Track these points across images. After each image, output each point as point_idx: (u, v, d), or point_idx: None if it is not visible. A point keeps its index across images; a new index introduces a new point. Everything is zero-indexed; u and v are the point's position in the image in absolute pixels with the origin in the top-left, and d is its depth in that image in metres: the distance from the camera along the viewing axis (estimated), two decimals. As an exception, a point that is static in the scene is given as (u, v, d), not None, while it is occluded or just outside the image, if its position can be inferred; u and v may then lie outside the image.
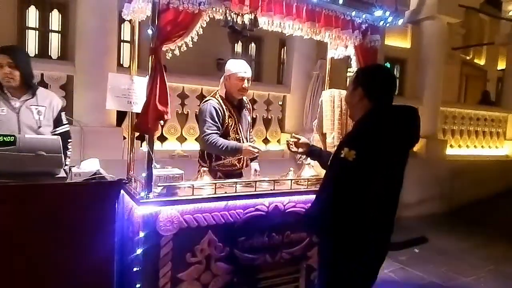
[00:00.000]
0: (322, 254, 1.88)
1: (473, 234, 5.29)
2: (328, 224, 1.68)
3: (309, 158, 2.69)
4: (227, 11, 2.04)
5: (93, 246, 1.89)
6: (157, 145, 4.43)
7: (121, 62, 5.93)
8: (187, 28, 1.96)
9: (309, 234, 2.48)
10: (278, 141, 5.26)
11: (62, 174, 1.86)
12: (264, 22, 2.23)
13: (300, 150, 2.39)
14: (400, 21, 2.70)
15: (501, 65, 13.51)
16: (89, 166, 2.18)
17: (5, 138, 1.72)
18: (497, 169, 7.31)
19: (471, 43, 12.07)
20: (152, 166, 1.98)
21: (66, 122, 2.53)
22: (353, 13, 2.49)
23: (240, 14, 2.07)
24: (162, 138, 4.56)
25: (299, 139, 2.39)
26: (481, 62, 13.29)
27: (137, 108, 2.35)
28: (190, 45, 2.02)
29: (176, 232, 2.03)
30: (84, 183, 1.86)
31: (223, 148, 2.55)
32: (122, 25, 5.80)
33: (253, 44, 8.49)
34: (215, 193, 2.17)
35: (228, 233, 2.20)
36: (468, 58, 12.67)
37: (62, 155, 1.83)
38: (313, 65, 5.11)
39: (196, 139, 4.53)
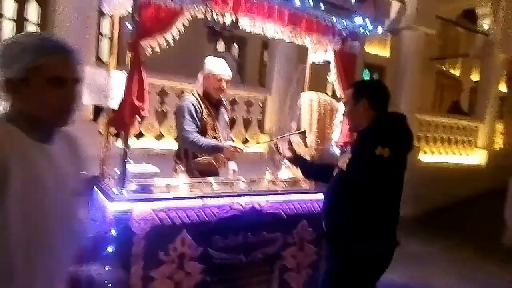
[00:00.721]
0: (338, 255, 1.95)
1: (444, 238, 5.44)
2: (361, 219, 1.82)
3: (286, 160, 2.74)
4: (209, 10, 2.04)
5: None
6: (134, 142, 4.35)
7: (100, 57, 5.82)
8: (167, 25, 1.96)
9: (285, 235, 2.51)
10: (257, 142, 5.28)
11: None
12: (246, 24, 2.24)
13: (288, 155, 2.48)
14: (380, 29, 2.77)
15: (475, 76, 14.05)
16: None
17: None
18: (467, 176, 7.58)
19: (447, 54, 12.49)
20: (126, 162, 1.96)
21: None
22: (334, 19, 2.54)
23: (222, 14, 2.08)
24: (139, 135, 4.49)
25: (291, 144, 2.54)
26: (456, 73, 13.77)
27: (115, 103, 2.31)
28: (171, 43, 2.01)
29: (149, 230, 2.01)
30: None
31: (204, 147, 2.55)
32: (101, 19, 5.70)
33: (235, 45, 8.51)
34: (191, 191, 2.17)
35: (202, 232, 2.19)
36: (444, 68, 13.11)
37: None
38: (294, 68, 5.16)
39: (175, 138, 4.48)
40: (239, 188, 2.41)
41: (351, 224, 1.83)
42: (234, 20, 2.14)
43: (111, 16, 2.37)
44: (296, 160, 2.45)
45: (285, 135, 2.78)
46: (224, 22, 2.08)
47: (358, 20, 2.64)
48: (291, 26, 2.38)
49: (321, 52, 2.88)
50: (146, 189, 2.05)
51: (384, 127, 1.87)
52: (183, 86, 4.47)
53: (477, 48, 8.84)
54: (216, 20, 2.07)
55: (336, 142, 2.79)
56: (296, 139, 2.93)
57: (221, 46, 8.32)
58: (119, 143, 2.14)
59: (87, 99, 2.23)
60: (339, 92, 2.79)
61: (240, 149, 2.64)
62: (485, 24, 8.45)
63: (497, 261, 4.74)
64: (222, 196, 2.26)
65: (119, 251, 1.95)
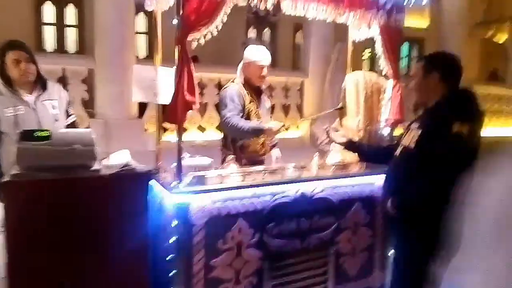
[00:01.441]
0: (413, 230, 1.87)
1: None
2: (436, 197, 1.72)
3: (332, 145, 2.71)
4: (250, -3, 2.00)
5: (128, 235, 1.93)
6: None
7: (136, 54, 5.96)
8: (211, 16, 1.95)
9: (338, 219, 2.48)
10: (297, 127, 5.24)
11: (96, 166, 1.89)
12: (288, 7, 2.19)
13: (341, 140, 2.44)
14: (425, 0, 2.62)
15: (524, 40, 13.00)
16: (120, 158, 2.21)
17: (40, 133, 1.75)
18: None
19: (492, 19, 11.63)
20: (182, 156, 2.00)
21: (72, 112, 2.53)
22: (377, -7, 2.43)
23: (264, 0, 2.04)
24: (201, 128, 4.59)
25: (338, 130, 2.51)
26: (503, 39, 12.82)
27: (163, 99, 2.37)
28: (215, 33, 2.01)
29: (207, 220, 2.06)
30: (116, 174, 1.89)
31: (246, 129, 2.55)
32: (136, 17, 5.82)
33: (267, 29, 8.41)
34: (243, 181, 2.19)
35: (257, 220, 2.21)
36: (489, 34, 12.24)
37: (96, 147, 1.86)
38: (330, 48, 5.03)
39: (217, 127, 4.56)
40: (289, 175, 2.39)
41: (426, 203, 1.77)
42: (275, 4, 2.08)
43: (151, 13, 2.40)
44: (350, 145, 2.42)
45: (324, 112, 2.73)
46: (267, 8, 2.03)
47: (404, -9, 2.51)
48: (334, 3, 2.29)
49: (364, 28, 2.77)
50: (201, 181, 2.09)
51: (461, 102, 1.81)
52: (221, 77, 4.50)
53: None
54: (257, 6, 2.02)
55: (386, 120, 2.70)
56: (348, 125, 2.86)
57: (253, 32, 8.27)
58: (169, 138, 2.20)
59: (137, 97, 2.29)
60: (386, 69, 2.69)
61: (282, 127, 2.61)
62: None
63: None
64: (274, 184, 2.26)
65: (181, 242, 2.01)
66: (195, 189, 2.03)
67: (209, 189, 2.08)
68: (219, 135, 4.74)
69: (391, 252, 2.05)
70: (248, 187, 2.17)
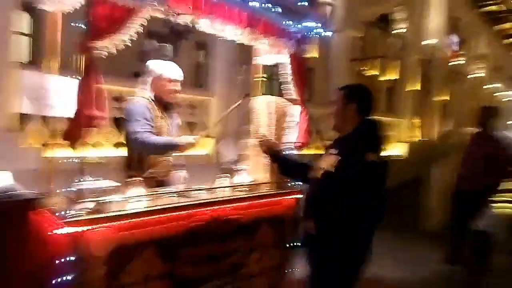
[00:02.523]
0: (329, 250, 1.96)
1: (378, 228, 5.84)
2: (346, 225, 1.87)
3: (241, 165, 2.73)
4: (168, 10, 1.90)
5: (11, 273, 1.58)
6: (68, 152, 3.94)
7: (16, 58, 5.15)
8: (124, 25, 1.78)
9: (248, 241, 2.47)
10: (203, 145, 5.14)
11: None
12: (207, 26, 2.14)
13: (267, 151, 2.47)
14: (329, 33, 2.87)
15: (390, 75, 15.41)
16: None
17: None
18: (392, 168, 8.26)
19: (367, 56, 13.48)
20: (82, 178, 1.74)
21: None
22: (289, 22, 2.56)
23: (182, 15, 1.96)
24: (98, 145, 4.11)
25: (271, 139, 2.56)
26: (374, 72, 14.94)
27: (56, 111, 2.05)
28: (129, 44, 1.84)
29: (110, 252, 1.82)
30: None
31: (160, 145, 2.38)
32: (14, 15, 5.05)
33: (169, 45, 8.18)
34: (152, 205, 2.01)
35: (167, 247, 2.05)
36: (363, 68, 14.14)
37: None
38: (235, 70, 5.12)
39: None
40: (202, 196, 2.30)
41: (341, 225, 1.87)
42: (193, 21, 2.02)
43: (35, 12, 2.08)
44: (276, 155, 2.45)
45: (230, 109, 2.75)
46: (186, 24, 1.95)
47: (310, 24, 2.70)
48: (250, 28, 2.33)
49: (273, 54, 2.89)
50: (103, 206, 1.84)
51: (373, 134, 1.99)
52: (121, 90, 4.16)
53: (394, 49, 9.69)
54: (175, 20, 1.93)
55: (294, 143, 2.82)
56: (250, 142, 2.89)
57: (150, 44, 7.94)
58: (58, 154, 1.89)
59: (27, 107, 1.94)
60: (293, 95, 2.83)
61: (196, 140, 2.51)
62: (401, 27, 9.30)
63: (422, 244, 5.25)
64: (186, 208, 2.13)
65: (77, 279, 1.72)
66: (96, 217, 1.78)
67: (112, 215, 1.84)
68: (118, 153, 4.41)
69: (308, 270, 2.10)
70: (158, 212, 2.00)
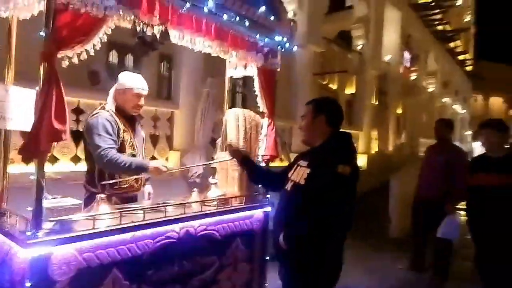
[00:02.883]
0: (300, 266, 1.94)
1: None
2: (318, 237, 1.85)
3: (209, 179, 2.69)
4: (136, 20, 1.84)
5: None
6: (22, 167, 3.68)
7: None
8: (88, 34, 1.69)
9: (220, 257, 2.40)
10: (167, 159, 5.01)
11: None
12: (175, 36, 2.10)
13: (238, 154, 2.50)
14: (295, 48, 2.91)
15: (349, 90, 16.01)
16: None
17: None
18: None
19: (327, 70, 13.95)
20: (43, 197, 1.61)
21: None
22: (257, 36, 2.57)
23: (150, 25, 1.90)
24: (53, 159, 3.89)
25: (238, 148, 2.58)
26: (334, 86, 15.46)
27: (12, 124, 1.91)
28: (92, 54, 1.75)
29: (73, 275, 1.69)
30: None
31: (127, 166, 2.26)
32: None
33: (129, 56, 7.98)
34: (120, 223, 1.90)
35: (135, 268, 1.94)
36: (324, 82, 14.60)
37: None
38: (201, 82, 5.07)
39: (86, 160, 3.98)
40: (171, 213, 2.21)
41: (312, 237, 1.84)
42: (163, 32, 1.97)
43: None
44: (246, 162, 2.46)
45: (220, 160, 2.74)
46: (153, 33, 1.90)
47: (277, 38, 2.73)
48: (219, 40, 2.31)
49: (241, 67, 2.89)
50: (66, 226, 1.71)
51: (343, 145, 1.97)
52: (80, 101, 3.98)
53: (353, 65, 10.09)
54: (145, 31, 1.87)
55: (262, 156, 2.81)
56: (220, 155, 2.85)
57: (114, 56, 7.72)
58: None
59: (-24, 121, 1.78)
60: (262, 107, 2.83)
61: (166, 168, 2.43)
62: (359, 44, 9.72)
63: (387, 251, 5.40)
64: (155, 225, 2.04)
65: (37, 307, 1.58)
66: (57, 238, 1.65)
67: (76, 236, 1.72)
68: (74, 167, 4.19)
69: (282, 285, 2.07)
70: (125, 231, 1.90)
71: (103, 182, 2.35)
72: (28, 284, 1.55)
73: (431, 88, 15.48)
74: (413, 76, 13.84)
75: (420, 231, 4.34)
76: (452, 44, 16.91)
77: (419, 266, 4.40)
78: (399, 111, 14.69)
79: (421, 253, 4.40)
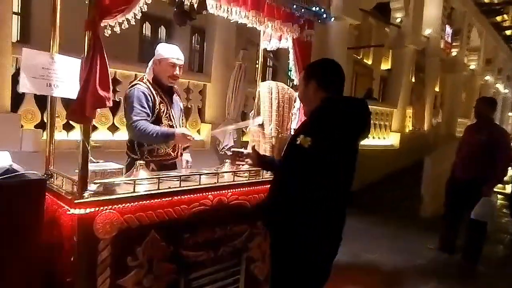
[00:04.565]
0: (274, 246, 1.87)
1: (369, 214, 5.91)
2: (281, 214, 1.69)
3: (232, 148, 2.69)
4: (175, -11, 1.85)
5: (17, 255, 1.55)
6: (63, 134, 3.88)
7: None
8: (130, 3, 1.73)
9: (251, 226, 2.47)
10: (198, 131, 5.10)
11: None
12: (212, 6, 2.09)
13: (249, 162, 2.25)
14: (332, 19, 2.83)
15: (384, 65, 15.44)
16: (-2, 161, 1.78)
17: None
18: (384, 156, 8.35)
19: (362, 44, 13.46)
20: (89, 160, 1.71)
21: None
22: (294, 6, 2.51)
23: (188, -5, 1.91)
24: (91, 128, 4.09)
25: (242, 152, 2.28)
26: (369, 61, 14.95)
27: (59, 91, 2.00)
28: (133, 23, 1.79)
29: (115, 234, 1.80)
30: (4, 182, 1.50)
31: (154, 135, 2.36)
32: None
33: (163, 28, 8.05)
34: (158, 189, 1.99)
35: (172, 231, 2.04)
36: (358, 57, 14.13)
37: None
38: (233, 54, 5.06)
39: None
40: (205, 181, 2.28)
41: (276, 210, 1.73)
42: (200, 1, 1.97)
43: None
44: (262, 165, 2.25)
45: (244, 124, 2.70)
46: (191, 3, 1.90)
47: (314, 8, 2.66)
48: (255, 10, 2.29)
49: (275, 39, 2.86)
50: (109, 189, 1.82)
51: (322, 112, 1.69)
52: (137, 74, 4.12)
53: (390, 39, 9.66)
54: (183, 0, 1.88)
55: (294, 129, 2.80)
56: (252, 129, 2.88)
57: (147, 29, 7.81)
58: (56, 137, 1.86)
59: (26, 87, 1.88)
60: (296, 81, 2.81)
61: (192, 137, 2.50)
62: (398, 17, 9.26)
63: (417, 231, 5.35)
64: (191, 192, 2.12)
65: (83, 261, 1.71)
66: (102, 199, 1.76)
67: (119, 198, 1.82)
68: (111, 136, 4.36)
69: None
70: (163, 196, 1.99)
71: (141, 149, 2.46)
72: (75, 239, 1.67)
73: (472, 65, 14.63)
74: (454, 52, 13.09)
75: (454, 211, 4.25)
76: (499, 18, 15.77)
77: (450, 247, 4.34)
78: (437, 88, 14.06)
79: (452, 234, 4.32)
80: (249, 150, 2.26)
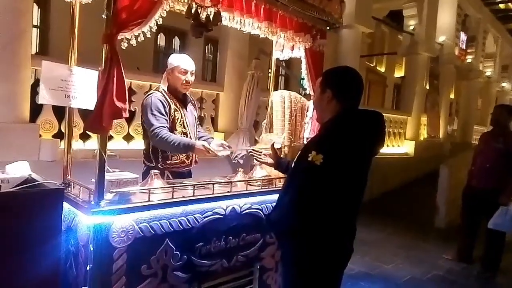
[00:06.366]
0: (285, 258, 1.87)
1: (384, 224, 5.83)
2: (291, 228, 1.66)
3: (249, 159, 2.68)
4: (190, 2, 1.90)
5: (35, 263, 1.59)
6: (79, 144, 3.97)
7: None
8: (145, 16, 1.77)
9: (264, 235, 2.47)
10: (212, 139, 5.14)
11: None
12: (225, 18, 2.13)
13: (269, 161, 2.27)
14: (344, 28, 2.84)
15: (398, 72, 15.34)
16: (18, 170, 1.84)
17: None
18: (399, 165, 8.24)
19: (375, 52, 13.42)
20: (105, 169, 1.75)
21: None
22: (305, 17, 2.54)
23: (203, 7, 1.95)
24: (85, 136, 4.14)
25: (260, 151, 2.31)
26: (382, 69, 14.88)
27: (77, 103, 2.06)
28: (148, 35, 1.83)
29: (130, 243, 1.83)
30: (21, 191, 1.55)
31: (175, 144, 2.41)
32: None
33: (177, 39, 8.19)
34: (172, 198, 2.01)
35: (185, 240, 2.06)
36: (371, 65, 14.09)
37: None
38: (245, 64, 5.11)
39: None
40: (218, 190, 2.29)
41: (281, 223, 1.68)
42: (216, 13, 2.01)
43: (42, 3, 2.09)
44: (279, 165, 2.24)
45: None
46: (207, 15, 1.94)
47: (326, 18, 2.68)
48: (267, 22, 2.32)
49: (287, 49, 2.88)
50: (125, 198, 1.85)
51: (335, 127, 1.64)
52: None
53: (403, 46, 9.61)
54: (198, 12, 1.92)
55: (307, 139, 2.81)
56: (264, 137, 2.89)
57: (161, 39, 7.96)
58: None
59: (45, 98, 1.94)
60: (308, 90, 2.82)
61: (211, 150, 2.52)
62: (411, 24, 9.21)
63: (433, 241, 5.24)
64: (204, 201, 2.14)
65: (99, 269, 1.73)
66: (117, 208, 1.79)
67: (134, 207, 1.85)
68: (126, 146, 4.44)
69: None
70: (177, 204, 2.01)
71: (157, 157, 2.51)
72: (91, 248, 1.70)
73: (488, 72, 14.40)
74: (469, 59, 12.92)
75: (471, 220, 4.15)
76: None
77: (467, 258, 4.23)
78: (452, 96, 13.87)
79: (469, 244, 4.22)
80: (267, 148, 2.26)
